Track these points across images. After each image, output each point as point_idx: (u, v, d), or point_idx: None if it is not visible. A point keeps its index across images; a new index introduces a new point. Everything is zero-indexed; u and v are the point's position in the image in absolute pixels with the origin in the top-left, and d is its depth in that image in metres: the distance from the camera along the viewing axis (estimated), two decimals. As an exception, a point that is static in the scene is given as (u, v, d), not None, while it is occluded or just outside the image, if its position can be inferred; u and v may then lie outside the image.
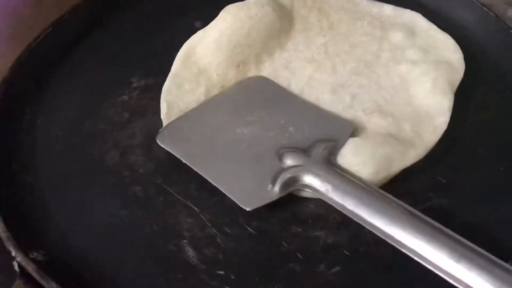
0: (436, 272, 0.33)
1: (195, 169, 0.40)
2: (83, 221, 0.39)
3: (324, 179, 0.38)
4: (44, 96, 0.47)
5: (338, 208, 0.37)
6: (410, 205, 0.37)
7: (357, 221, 0.36)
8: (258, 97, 0.46)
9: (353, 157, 0.39)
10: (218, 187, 0.39)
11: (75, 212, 0.39)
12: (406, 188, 0.40)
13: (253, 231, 0.38)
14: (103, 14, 0.54)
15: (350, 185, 0.37)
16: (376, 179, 0.39)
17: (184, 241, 0.37)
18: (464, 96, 0.46)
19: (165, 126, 0.43)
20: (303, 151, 0.40)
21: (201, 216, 0.39)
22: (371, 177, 0.39)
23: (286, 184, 0.38)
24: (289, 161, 0.40)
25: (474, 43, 0.51)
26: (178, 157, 0.41)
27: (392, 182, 0.41)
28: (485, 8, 0.52)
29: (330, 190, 0.37)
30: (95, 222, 0.39)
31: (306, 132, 0.42)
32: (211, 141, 0.43)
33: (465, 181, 0.41)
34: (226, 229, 0.38)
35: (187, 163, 0.40)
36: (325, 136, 0.41)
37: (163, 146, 0.42)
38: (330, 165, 0.39)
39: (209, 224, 0.38)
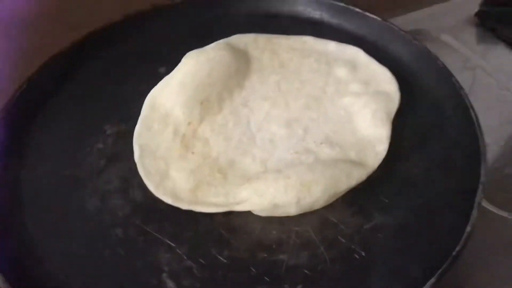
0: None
1: None
2: (70, 263, 0.43)
3: None
4: (24, 150, 0.52)
5: None
6: (358, 224, 0.44)
7: None
8: None
9: (306, 173, 0.45)
10: None
11: (62, 255, 0.44)
12: (353, 208, 0.46)
13: (225, 260, 0.43)
14: (72, 67, 0.59)
15: None
16: (325, 195, 0.45)
17: (164, 274, 0.42)
18: (401, 122, 0.52)
19: None
20: None
21: (177, 250, 0.44)
22: (321, 194, 0.45)
23: None
24: None
25: (409, 73, 0.58)
26: None
27: (341, 202, 0.46)
28: (415, 41, 0.58)
29: None
30: (81, 263, 0.43)
31: None
32: None
33: (404, 200, 0.47)
34: (201, 260, 0.43)
35: None
36: None
37: None
38: None
39: (185, 257, 0.43)
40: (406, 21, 0.75)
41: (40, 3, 0.64)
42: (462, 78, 0.64)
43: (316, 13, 0.65)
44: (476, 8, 0.76)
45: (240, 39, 0.60)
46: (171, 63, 0.57)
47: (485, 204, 0.52)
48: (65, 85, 0.58)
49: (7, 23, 0.64)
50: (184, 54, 0.56)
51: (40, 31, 0.64)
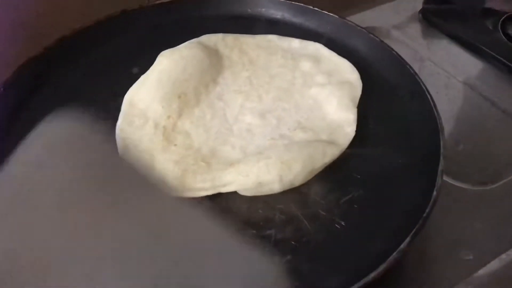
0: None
1: None
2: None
3: None
4: None
5: None
6: (336, 198, 0.48)
7: None
8: None
9: (285, 153, 0.49)
10: None
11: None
12: (330, 185, 0.50)
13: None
14: (45, 72, 0.60)
15: None
16: (305, 171, 0.49)
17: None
18: (364, 107, 0.57)
19: None
20: None
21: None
22: (301, 169, 0.49)
23: None
24: None
25: (367, 64, 0.63)
26: None
27: (318, 180, 0.51)
28: (371, 35, 0.64)
29: None
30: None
31: None
32: None
33: (374, 174, 0.51)
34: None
35: None
36: None
37: None
38: None
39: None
40: (357, 20, 0.81)
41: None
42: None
43: (278, 14, 0.70)
44: (420, 6, 0.83)
45: (209, 38, 0.63)
46: (144, 64, 0.60)
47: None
48: (40, 90, 0.59)
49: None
50: (155, 55, 0.59)
51: (11, 39, 0.65)
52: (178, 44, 0.61)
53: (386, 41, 0.75)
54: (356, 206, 0.48)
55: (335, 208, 0.48)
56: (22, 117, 0.56)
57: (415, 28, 0.82)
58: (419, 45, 0.78)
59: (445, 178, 0.56)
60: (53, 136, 0.37)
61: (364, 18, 0.80)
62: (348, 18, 0.75)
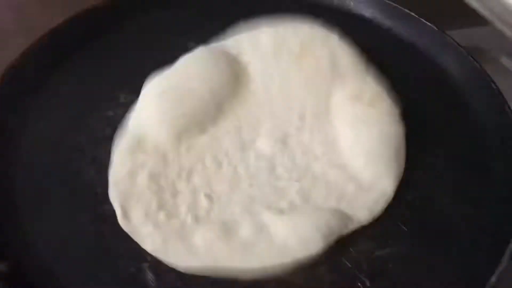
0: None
1: None
2: (51, 235, 0.40)
3: None
4: (32, 108, 0.49)
5: None
6: (370, 249, 0.40)
7: None
8: None
9: None
10: None
11: (44, 225, 0.41)
12: (369, 231, 0.41)
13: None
14: (95, 30, 0.56)
15: None
16: None
17: (145, 264, 0.39)
18: (436, 145, 0.47)
19: None
20: None
21: (166, 241, 0.40)
22: None
23: None
24: None
25: (456, 91, 0.52)
26: None
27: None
28: (470, 57, 0.52)
29: None
30: (62, 236, 0.40)
31: None
32: None
33: (425, 231, 0.41)
34: (187, 258, 0.39)
35: None
36: None
37: None
38: None
39: (172, 251, 0.39)
40: (466, 35, 0.68)
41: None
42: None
43: (367, 11, 0.60)
44: (547, 35, 0.69)
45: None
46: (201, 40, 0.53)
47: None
48: (85, 46, 0.55)
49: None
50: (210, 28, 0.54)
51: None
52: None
53: (493, 68, 0.63)
54: (390, 265, 0.39)
55: (364, 261, 0.39)
56: (63, 71, 0.53)
57: (535, 60, 0.68)
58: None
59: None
60: None
61: (473, 34, 0.67)
62: (453, 31, 0.64)
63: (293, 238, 0.39)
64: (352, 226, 0.41)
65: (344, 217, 0.41)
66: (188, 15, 0.59)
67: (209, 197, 0.43)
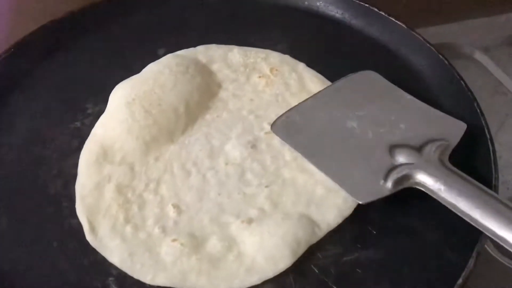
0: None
1: (308, 161, 0.42)
2: (15, 250, 0.40)
3: (437, 178, 0.38)
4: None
5: (449, 207, 0.37)
6: (337, 254, 0.39)
7: (469, 221, 0.36)
8: (368, 91, 0.48)
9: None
10: (331, 179, 0.41)
11: (8, 240, 0.40)
12: (337, 236, 0.41)
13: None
14: (63, 39, 0.55)
15: (464, 185, 0.37)
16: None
17: (111, 279, 0.38)
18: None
19: (279, 117, 0.45)
20: (415, 149, 0.41)
21: (132, 254, 0.39)
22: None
23: (398, 181, 0.39)
24: (401, 158, 0.40)
25: (427, 87, 0.51)
26: (292, 147, 0.43)
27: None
28: (439, 55, 0.52)
29: (442, 189, 0.38)
30: (26, 251, 0.40)
31: (418, 130, 0.43)
32: (322, 134, 0.44)
33: (395, 234, 0.41)
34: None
35: (301, 154, 0.43)
36: (437, 135, 0.42)
37: (278, 135, 0.44)
38: (442, 165, 0.39)
39: (138, 263, 0.39)
40: (440, 32, 0.69)
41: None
42: (490, 102, 0.58)
43: (338, 12, 0.59)
44: (520, 28, 0.69)
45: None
46: (170, 46, 0.54)
47: (491, 249, 0.46)
48: (54, 55, 0.54)
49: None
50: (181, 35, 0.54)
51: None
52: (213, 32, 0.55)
53: (466, 64, 0.64)
54: (359, 270, 0.38)
55: (332, 266, 0.39)
56: (31, 82, 0.52)
57: (508, 55, 0.67)
58: (507, 76, 0.64)
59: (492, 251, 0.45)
60: None
61: (444, 31, 0.68)
62: (427, 29, 0.64)
63: (262, 257, 0.39)
64: (320, 233, 0.41)
65: (312, 224, 0.41)
66: (157, 23, 0.58)
67: (177, 207, 0.42)
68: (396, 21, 0.56)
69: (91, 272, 0.38)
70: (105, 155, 0.45)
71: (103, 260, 0.39)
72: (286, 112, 0.46)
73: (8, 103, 0.50)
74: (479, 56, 0.67)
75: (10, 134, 0.47)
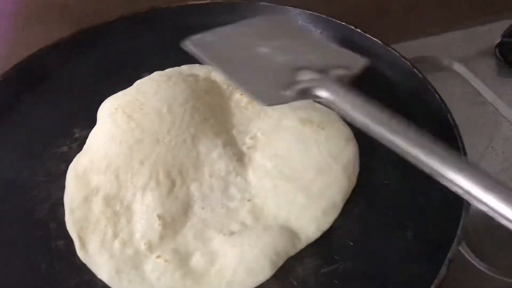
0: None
1: (217, 69, 0.44)
2: (3, 271, 0.41)
3: (335, 93, 0.40)
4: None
5: (347, 119, 0.39)
6: (316, 266, 0.41)
7: (364, 129, 0.37)
8: (281, 29, 0.50)
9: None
10: (239, 86, 0.42)
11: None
12: (313, 248, 0.42)
13: None
14: (50, 67, 0.57)
15: (358, 99, 0.39)
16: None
17: (96, 298, 0.39)
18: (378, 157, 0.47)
19: (193, 37, 0.46)
20: (319, 70, 0.42)
21: (117, 272, 0.40)
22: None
23: (300, 92, 0.41)
24: (305, 76, 0.42)
25: (402, 103, 0.53)
26: (203, 58, 0.44)
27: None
28: (414, 69, 0.53)
29: (339, 102, 0.39)
30: (13, 273, 0.41)
31: (323, 60, 0.45)
32: (234, 53, 0.46)
33: (372, 245, 0.42)
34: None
35: (210, 64, 0.44)
36: (340, 64, 0.44)
37: (190, 50, 0.45)
38: (341, 83, 0.41)
39: (122, 282, 0.40)
40: (419, 45, 0.70)
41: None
42: (469, 113, 0.60)
43: (316, 30, 0.61)
44: (498, 39, 0.70)
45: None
46: (155, 70, 0.55)
47: (466, 252, 0.48)
48: (42, 83, 0.56)
49: None
50: (165, 59, 0.55)
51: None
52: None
53: (446, 75, 0.65)
54: (336, 281, 0.40)
55: (311, 278, 0.40)
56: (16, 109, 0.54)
57: (487, 65, 0.69)
58: (486, 86, 0.66)
59: (467, 255, 0.46)
60: None
61: (424, 45, 0.69)
62: (406, 43, 0.66)
63: (242, 269, 0.40)
64: (300, 245, 0.42)
65: (292, 236, 0.42)
66: (141, 47, 0.60)
67: (162, 219, 0.43)
68: (371, 37, 0.57)
69: (77, 291, 0.40)
70: (92, 166, 0.46)
71: (89, 279, 0.40)
72: (200, 34, 0.47)
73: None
74: (458, 67, 0.68)
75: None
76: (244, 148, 0.49)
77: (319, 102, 0.42)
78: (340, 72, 0.43)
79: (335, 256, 0.41)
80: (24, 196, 0.46)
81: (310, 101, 0.52)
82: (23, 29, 0.68)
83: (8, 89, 0.54)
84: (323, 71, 0.42)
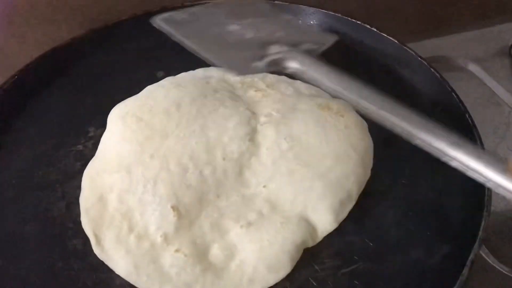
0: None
1: (187, 43, 0.43)
2: (19, 270, 0.41)
3: (304, 63, 0.41)
4: (3, 144, 0.50)
5: (316, 84, 0.41)
6: (336, 266, 0.40)
7: (333, 93, 0.40)
8: (252, 9, 0.50)
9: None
10: (211, 59, 0.42)
11: (13, 263, 0.41)
12: (334, 248, 0.42)
13: (181, 289, 0.39)
14: (65, 65, 0.57)
15: (326, 67, 0.40)
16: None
17: (113, 297, 0.39)
18: (396, 159, 0.47)
19: (162, 14, 0.46)
20: (290, 44, 0.43)
21: (133, 272, 0.40)
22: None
23: (271, 63, 0.42)
24: (275, 49, 0.43)
25: (420, 102, 0.53)
26: (173, 34, 0.44)
27: (324, 239, 0.42)
28: (431, 69, 0.53)
29: (308, 71, 0.41)
30: (31, 272, 0.41)
31: (292, 36, 0.45)
32: (204, 30, 0.46)
33: (391, 247, 0.42)
34: (155, 289, 0.39)
35: (181, 39, 0.43)
36: (309, 40, 0.45)
37: (159, 26, 0.45)
38: (310, 55, 0.42)
39: (140, 282, 0.40)
40: (434, 45, 0.70)
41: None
42: (485, 114, 0.59)
43: (331, 30, 0.61)
44: (512, 40, 0.70)
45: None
46: (169, 69, 0.55)
47: (485, 254, 0.47)
48: (57, 81, 0.56)
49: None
50: (178, 57, 0.53)
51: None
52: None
53: (460, 75, 0.65)
54: (356, 282, 0.39)
55: (330, 278, 0.40)
56: (35, 107, 0.54)
57: (501, 65, 0.69)
58: (501, 86, 0.65)
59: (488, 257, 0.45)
60: None
61: (439, 44, 0.69)
62: (422, 43, 0.65)
63: (262, 266, 0.39)
64: (317, 238, 0.42)
65: (310, 228, 0.41)
66: (156, 47, 0.59)
67: (177, 210, 0.42)
68: (388, 36, 0.57)
69: (94, 290, 0.39)
70: (105, 167, 0.46)
71: (106, 276, 0.40)
72: (170, 13, 0.47)
73: (12, 129, 0.51)
74: (473, 67, 0.67)
75: (14, 158, 0.49)
76: (258, 126, 0.48)
77: (291, 74, 0.43)
78: (309, 46, 0.44)
79: (354, 257, 0.41)
80: (39, 195, 0.46)
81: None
82: (36, 28, 0.67)
83: (22, 88, 0.54)
84: (293, 45, 0.43)
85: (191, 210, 0.42)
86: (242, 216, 0.42)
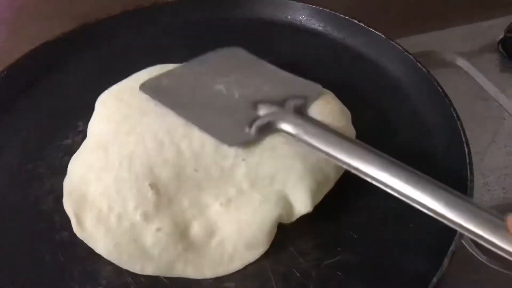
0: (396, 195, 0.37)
1: (177, 114, 0.44)
2: (5, 263, 0.41)
3: (295, 125, 0.42)
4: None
5: (309, 148, 0.41)
6: (319, 258, 0.41)
7: (326, 157, 0.40)
8: (234, 63, 0.51)
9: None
10: (199, 128, 0.43)
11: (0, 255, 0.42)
12: (317, 240, 0.42)
13: (166, 281, 0.40)
14: (55, 61, 0.57)
15: (318, 129, 0.41)
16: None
17: (100, 287, 0.39)
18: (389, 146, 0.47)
19: (147, 80, 0.48)
20: (278, 103, 0.44)
21: (120, 264, 0.41)
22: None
23: (262, 128, 0.43)
24: (264, 111, 0.44)
25: (406, 96, 0.53)
26: (160, 103, 0.45)
27: (304, 229, 0.43)
28: (417, 63, 0.53)
29: (301, 134, 0.42)
30: (17, 265, 0.41)
31: (279, 91, 0.46)
32: (190, 94, 0.47)
33: (375, 237, 0.42)
34: (142, 279, 0.40)
35: (171, 109, 0.45)
36: (296, 94, 0.46)
37: (146, 94, 0.46)
38: (300, 114, 0.43)
39: (126, 273, 0.40)
40: (422, 40, 0.70)
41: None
42: (472, 108, 0.60)
43: (320, 25, 0.61)
44: (501, 34, 0.70)
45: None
46: (157, 64, 0.55)
47: (468, 244, 0.48)
48: (47, 76, 0.57)
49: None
50: (169, 53, 0.54)
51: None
52: (202, 48, 0.54)
53: (448, 71, 0.65)
54: (339, 273, 0.40)
55: (313, 270, 0.40)
56: (24, 101, 0.54)
57: (490, 60, 0.69)
58: (489, 81, 0.66)
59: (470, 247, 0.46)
60: None
61: (428, 40, 0.69)
62: (409, 38, 0.66)
63: (242, 244, 0.40)
64: (293, 218, 0.42)
65: (287, 207, 0.42)
66: (145, 42, 0.60)
67: (155, 188, 0.41)
68: (375, 31, 0.57)
69: (80, 281, 0.40)
70: (85, 147, 0.47)
71: (92, 268, 0.40)
72: (154, 77, 0.49)
73: (1, 123, 0.52)
74: (461, 62, 0.68)
75: (3, 152, 0.49)
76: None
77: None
78: (297, 102, 0.45)
79: (338, 248, 0.41)
80: (28, 188, 0.46)
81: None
82: (27, 24, 0.68)
83: (12, 83, 0.54)
84: (281, 103, 0.44)
85: (169, 186, 0.42)
86: (222, 192, 0.42)
